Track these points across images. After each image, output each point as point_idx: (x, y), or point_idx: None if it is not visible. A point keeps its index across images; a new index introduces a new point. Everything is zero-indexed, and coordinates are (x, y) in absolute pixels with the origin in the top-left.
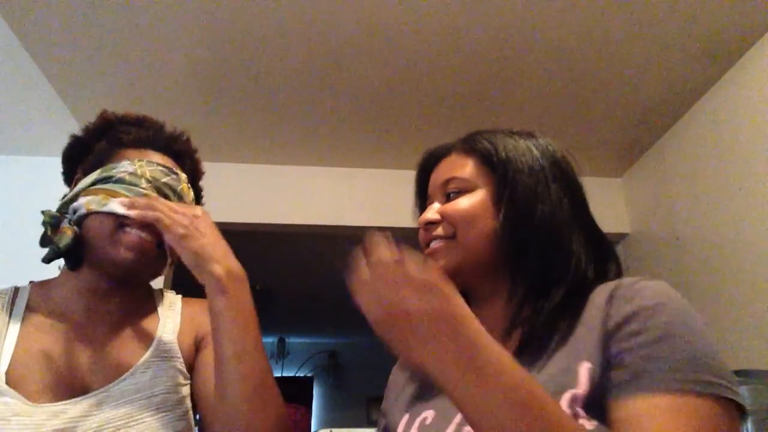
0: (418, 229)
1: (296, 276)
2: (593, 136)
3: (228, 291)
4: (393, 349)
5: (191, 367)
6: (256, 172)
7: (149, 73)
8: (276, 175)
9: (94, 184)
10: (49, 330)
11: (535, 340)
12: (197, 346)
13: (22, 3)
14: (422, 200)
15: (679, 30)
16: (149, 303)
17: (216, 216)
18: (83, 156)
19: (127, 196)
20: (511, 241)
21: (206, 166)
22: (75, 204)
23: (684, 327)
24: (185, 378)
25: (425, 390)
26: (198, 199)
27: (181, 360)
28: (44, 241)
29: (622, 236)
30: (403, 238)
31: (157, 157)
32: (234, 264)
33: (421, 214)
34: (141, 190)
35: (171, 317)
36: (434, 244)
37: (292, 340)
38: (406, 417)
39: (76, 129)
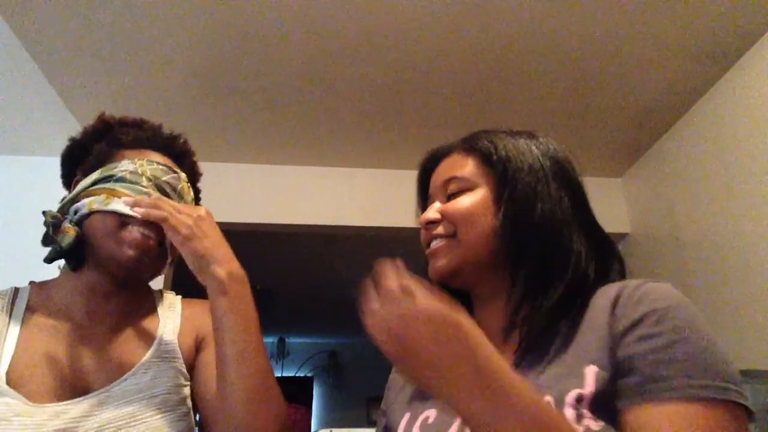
0: (419, 229)
1: (296, 276)
2: (593, 136)
3: (229, 292)
4: (407, 378)
5: (191, 368)
6: (256, 172)
7: (149, 73)
8: (276, 175)
9: (94, 183)
10: (50, 330)
11: (534, 341)
12: (197, 347)
13: (22, 3)
14: (424, 200)
15: (679, 30)
16: (149, 304)
17: (216, 216)
18: (82, 158)
19: (128, 195)
20: (510, 240)
21: (206, 166)
22: (76, 204)
23: (693, 331)
24: (186, 379)
25: None
26: (196, 201)
27: (182, 360)
28: (46, 241)
29: (622, 236)
30: (403, 237)
31: (157, 157)
32: (235, 266)
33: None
34: (142, 188)
35: (171, 318)
36: (435, 244)
37: (292, 340)
38: (407, 415)
39: (76, 129)
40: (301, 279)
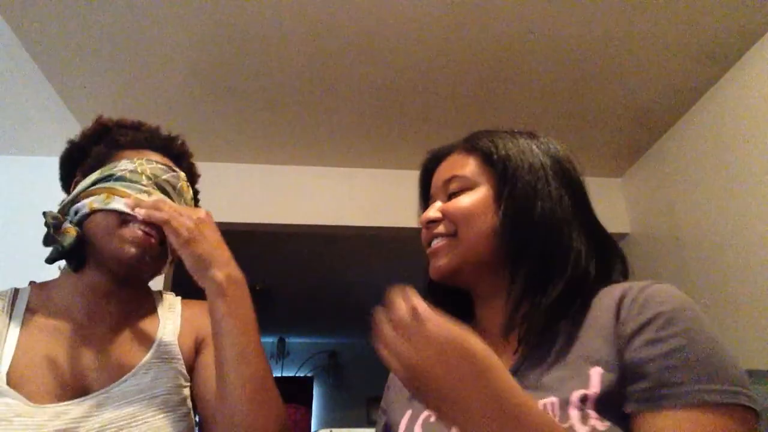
0: (419, 229)
1: (296, 276)
2: (593, 136)
3: (228, 295)
4: (422, 404)
5: (191, 369)
6: (256, 172)
7: (149, 73)
8: (276, 175)
9: (94, 184)
10: (50, 331)
11: (535, 339)
12: (197, 348)
13: (22, 3)
14: (425, 201)
15: (679, 30)
16: (149, 304)
17: (216, 216)
18: (81, 160)
19: (128, 194)
20: (510, 238)
21: (206, 166)
22: (76, 205)
23: (701, 334)
24: (186, 379)
25: None
26: (195, 202)
27: (182, 361)
28: (47, 241)
29: (622, 236)
30: (403, 237)
31: (156, 157)
32: (234, 269)
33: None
34: (142, 186)
35: (171, 319)
36: (436, 243)
37: (292, 340)
38: (409, 413)
39: (76, 129)
40: (301, 279)
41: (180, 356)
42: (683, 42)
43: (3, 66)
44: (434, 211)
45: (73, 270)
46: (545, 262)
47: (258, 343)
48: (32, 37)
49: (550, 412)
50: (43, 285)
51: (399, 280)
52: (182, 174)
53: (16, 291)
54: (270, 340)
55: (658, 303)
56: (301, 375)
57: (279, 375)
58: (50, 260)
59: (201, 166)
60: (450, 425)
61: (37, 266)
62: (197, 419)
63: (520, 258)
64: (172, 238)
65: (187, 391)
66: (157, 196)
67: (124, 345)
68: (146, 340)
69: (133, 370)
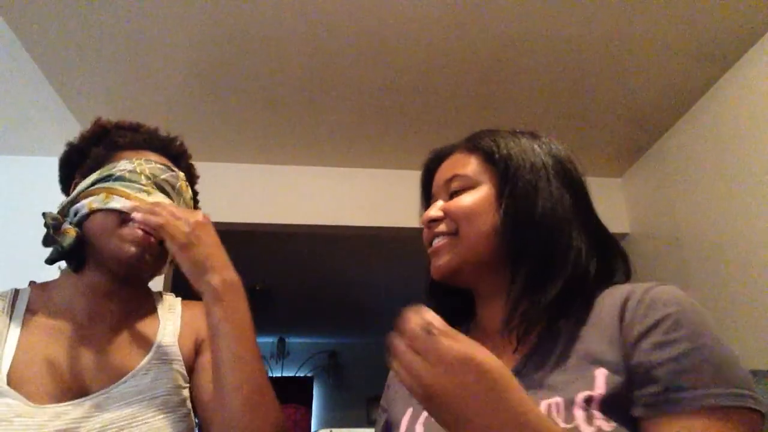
0: (419, 229)
1: (296, 276)
2: (593, 136)
3: (224, 300)
4: (437, 422)
5: (191, 370)
6: (256, 172)
7: (149, 73)
8: (276, 175)
9: (93, 184)
10: (50, 331)
11: (532, 337)
12: (197, 349)
13: (22, 3)
14: (427, 201)
15: (678, 30)
16: (149, 305)
17: (216, 216)
18: (80, 162)
19: (127, 193)
20: (511, 237)
21: (206, 166)
22: (76, 206)
23: (708, 337)
24: (185, 380)
25: None
26: (195, 203)
27: (182, 363)
28: (47, 242)
29: (622, 236)
30: (403, 237)
31: (155, 157)
32: (230, 273)
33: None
34: (141, 186)
35: (171, 320)
36: (437, 242)
37: (292, 340)
38: (410, 411)
39: (76, 129)
40: (301, 279)
41: (180, 357)
42: (683, 42)
43: (3, 66)
44: (436, 210)
45: (73, 270)
46: (545, 260)
47: (254, 348)
48: (32, 37)
49: (555, 413)
50: (44, 285)
51: (399, 280)
52: (181, 174)
53: (17, 291)
54: (270, 340)
55: (663, 305)
56: (301, 375)
57: (279, 375)
58: (50, 261)
59: (201, 166)
60: None
61: (37, 266)
62: (197, 420)
63: (520, 257)
64: (167, 243)
65: (186, 392)
66: (157, 195)
67: (124, 346)
68: (146, 341)
69: (133, 371)
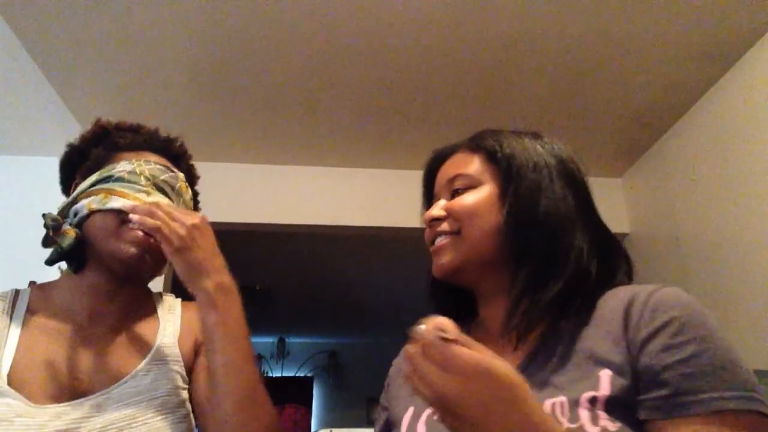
0: (419, 228)
1: (296, 276)
2: (593, 136)
3: (218, 305)
4: (452, 431)
5: (191, 371)
6: (256, 172)
7: (149, 73)
8: (276, 175)
9: (93, 185)
10: (51, 332)
11: (533, 335)
12: (196, 350)
13: (22, 3)
14: (429, 200)
15: (679, 30)
16: (149, 306)
17: (216, 216)
18: (80, 163)
19: (127, 194)
20: (515, 236)
21: (206, 166)
22: (76, 206)
23: (715, 340)
24: (185, 381)
25: None
26: (195, 203)
27: (181, 363)
28: (47, 243)
29: (622, 236)
30: (403, 237)
31: (154, 158)
32: (225, 277)
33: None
34: (140, 187)
35: (171, 321)
36: (439, 241)
37: (292, 340)
38: (411, 410)
39: (76, 129)
40: (301, 279)
41: (180, 358)
42: (683, 42)
43: (3, 66)
44: (438, 209)
45: (74, 271)
46: (548, 260)
47: (249, 352)
48: (32, 37)
49: (559, 412)
50: (44, 286)
51: (399, 280)
52: (181, 174)
53: (17, 292)
54: (270, 340)
55: (670, 307)
56: (301, 375)
57: (279, 375)
58: (50, 262)
59: (201, 167)
60: None
61: (37, 266)
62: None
63: (523, 256)
64: (163, 246)
65: (186, 394)
66: (156, 196)
67: (124, 346)
68: (146, 342)
69: (133, 372)
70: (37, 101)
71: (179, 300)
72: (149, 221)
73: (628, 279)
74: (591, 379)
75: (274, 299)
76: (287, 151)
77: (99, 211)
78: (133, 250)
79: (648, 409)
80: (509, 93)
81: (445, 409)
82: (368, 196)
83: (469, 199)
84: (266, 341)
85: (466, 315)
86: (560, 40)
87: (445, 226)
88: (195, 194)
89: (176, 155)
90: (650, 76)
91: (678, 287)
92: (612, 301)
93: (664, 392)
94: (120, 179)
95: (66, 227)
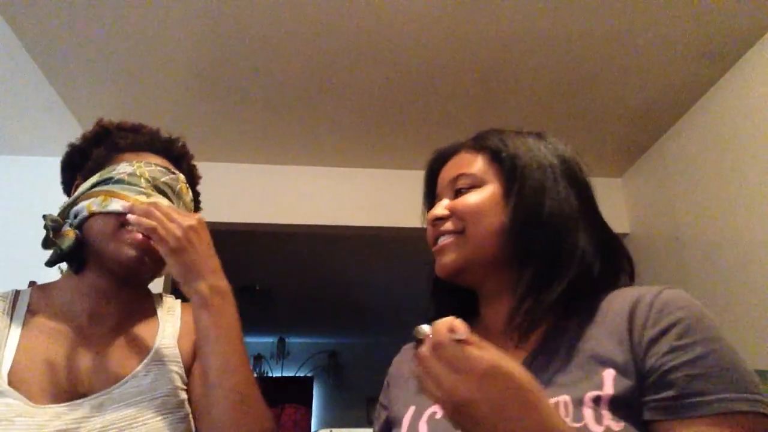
0: (419, 228)
1: (296, 276)
2: (593, 136)
3: (212, 307)
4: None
5: (190, 372)
6: (256, 172)
7: (150, 74)
8: (276, 175)
9: (93, 186)
10: (51, 332)
11: (535, 334)
12: (195, 351)
13: (22, 3)
14: (431, 200)
15: (679, 30)
16: (149, 307)
17: (216, 216)
18: (81, 163)
19: (126, 196)
20: (519, 235)
21: (207, 166)
22: (76, 208)
23: (720, 342)
24: (184, 382)
25: None
26: (196, 204)
27: (181, 364)
28: (46, 244)
29: (622, 236)
30: (403, 237)
31: (155, 159)
32: (220, 279)
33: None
34: (140, 189)
35: (171, 322)
36: (443, 240)
37: (292, 340)
38: (412, 409)
39: (76, 129)
40: (301, 279)
41: (179, 359)
42: (683, 42)
43: (3, 66)
44: (442, 208)
45: (74, 272)
46: (552, 260)
47: (243, 354)
48: (32, 38)
49: (563, 411)
50: (44, 287)
51: (399, 280)
52: (181, 176)
53: (17, 293)
54: (270, 340)
55: (676, 309)
56: (301, 375)
57: (279, 375)
58: (50, 263)
59: (201, 167)
60: None
61: (37, 266)
62: None
63: (527, 256)
64: (158, 246)
65: (185, 394)
66: (156, 198)
67: (124, 347)
68: (146, 343)
69: (132, 372)
70: (37, 101)
71: (179, 301)
72: (145, 221)
73: (630, 280)
74: (594, 378)
75: (274, 299)
76: (287, 151)
77: (99, 213)
78: (132, 252)
79: (654, 410)
80: (509, 93)
81: (458, 410)
82: (368, 196)
83: (473, 198)
84: (266, 341)
85: (466, 315)
86: (560, 41)
87: (448, 225)
88: (196, 195)
89: (177, 156)
90: (650, 76)
91: (680, 288)
92: (616, 302)
93: (670, 393)
94: (120, 181)
95: (66, 228)
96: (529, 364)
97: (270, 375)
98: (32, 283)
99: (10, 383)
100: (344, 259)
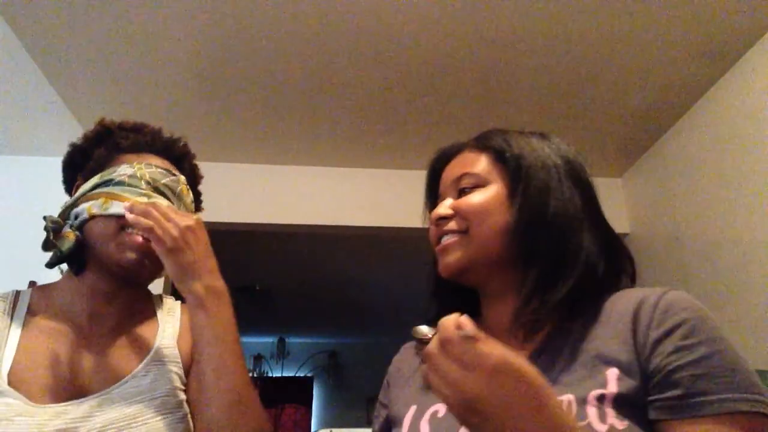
0: (419, 228)
1: (296, 276)
2: (593, 136)
3: (207, 307)
4: (471, 430)
5: (189, 372)
6: (256, 172)
7: (150, 74)
8: (276, 175)
9: (94, 188)
10: (51, 333)
11: (541, 334)
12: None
13: (22, 3)
14: (433, 200)
15: (679, 30)
16: (149, 308)
17: (216, 216)
18: (83, 163)
19: (127, 198)
20: (524, 236)
21: (207, 166)
22: (76, 209)
23: (723, 343)
24: (183, 383)
25: None
26: (197, 204)
27: (180, 365)
28: (47, 246)
29: (622, 236)
30: (403, 237)
31: (156, 161)
32: (216, 280)
33: (431, 212)
34: (141, 191)
35: (171, 323)
36: (446, 239)
37: (292, 340)
38: (414, 408)
39: (77, 129)
40: (301, 279)
41: (178, 359)
42: (683, 42)
43: (3, 66)
44: (445, 207)
45: (74, 273)
46: (558, 260)
47: (237, 356)
48: (32, 38)
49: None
50: (44, 287)
51: (399, 280)
52: (182, 177)
53: (18, 293)
54: (270, 340)
55: (681, 309)
56: (301, 375)
57: (279, 375)
58: (50, 265)
59: (201, 167)
60: None
61: (38, 266)
62: None
63: (532, 256)
64: (155, 246)
65: (184, 395)
66: (156, 199)
67: (124, 347)
68: (146, 343)
69: (132, 372)
70: (37, 101)
71: (179, 302)
72: (143, 221)
73: (631, 281)
74: (598, 377)
75: (274, 299)
76: (287, 151)
77: (99, 215)
78: (132, 255)
79: (659, 409)
80: (509, 93)
81: (466, 407)
82: (368, 196)
83: (477, 198)
84: (266, 341)
85: (468, 315)
86: (560, 41)
87: (452, 224)
88: (198, 194)
89: (179, 157)
90: (650, 76)
91: (681, 289)
92: (620, 303)
93: (676, 392)
94: (121, 183)
95: (66, 230)
96: (533, 363)
97: (270, 375)
98: (32, 284)
99: (10, 383)
100: (344, 259)
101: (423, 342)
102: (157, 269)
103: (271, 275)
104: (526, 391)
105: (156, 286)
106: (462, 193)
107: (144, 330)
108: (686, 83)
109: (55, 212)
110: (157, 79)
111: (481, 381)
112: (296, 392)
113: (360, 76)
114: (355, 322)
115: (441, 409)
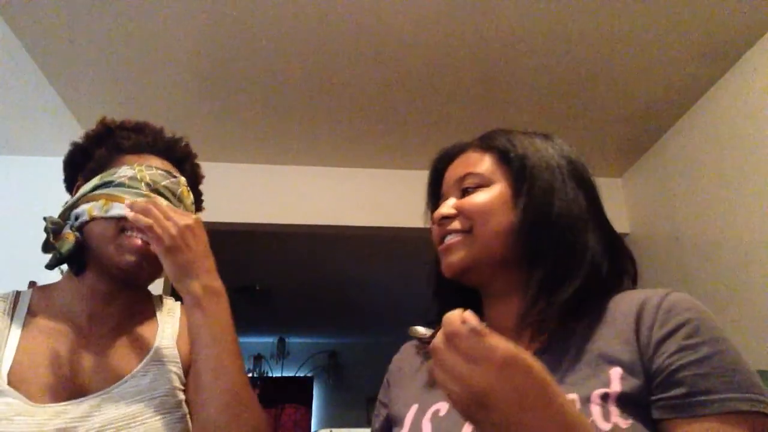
0: (419, 228)
1: (296, 276)
2: (593, 136)
3: (204, 307)
4: (481, 428)
5: (188, 372)
6: (256, 172)
7: (150, 74)
8: (276, 175)
9: (94, 189)
10: (51, 333)
11: (552, 338)
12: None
13: (22, 3)
14: (435, 200)
15: (679, 30)
16: (149, 308)
17: (216, 216)
18: (84, 163)
19: (128, 200)
20: (529, 235)
21: (207, 166)
22: (76, 210)
23: (726, 343)
24: (182, 383)
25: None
26: (198, 204)
27: (180, 365)
28: (46, 247)
29: (622, 236)
30: (403, 237)
31: (157, 162)
32: (213, 280)
33: (433, 213)
34: (141, 193)
35: (170, 323)
36: (450, 239)
37: (292, 340)
38: (415, 407)
39: (77, 129)
40: (301, 279)
41: (178, 360)
42: (683, 42)
43: (3, 66)
44: (449, 207)
45: (74, 274)
46: (563, 260)
47: (235, 356)
48: (32, 37)
49: None
50: (45, 288)
51: (399, 280)
52: (182, 179)
53: (18, 293)
54: (270, 340)
55: (684, 309)
56: (301, 375)
57: (279, 375)
58: (50, 266)
59: (202, 167)
60: None
61: (38, 267)
62: None
63: (537, 257)
64: (153, 245)
65: (183, 395)
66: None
67: (124, 347)
68: (145, 343)
69: (132, 372)
70: (37, 101)
71: (179, 303)
72: (143, 219)
73: (633, 280)
74: (602, 376)
75: (274, 299)
76: (287, 151)
77: (100, 217)
78: (131, 258)
79: (663, 408)
80: (509, 93)
81: (475, 401)
82: (368, 196)
83: (481, 197)
84: (266, 341)
85: None
86: (560, 40)
87: (456, 224)
88: (199, 194)
89: (180, 157)
90: (650, 76)
91: (682, 290)
92: (623, 304)
93: (678, 392)
94: (121, 184)
95: (66, 231)
96: None
97: (270, 375)
98: (32, 284)
99: (9, 383)
100: (344, 259)
101: (423, 340)
102: (155, 271)
103: (271, 275)
104: (534, 385)
105: (156, 287)
106: (465, 192)
107: (143, 330)
108: (686, 83)
109: (55, 212)
110: (158, 79)
111: (489, 374)
112: (296, 392)
113: (360, 76)
114: (355, 322)
115: (442, 408)
